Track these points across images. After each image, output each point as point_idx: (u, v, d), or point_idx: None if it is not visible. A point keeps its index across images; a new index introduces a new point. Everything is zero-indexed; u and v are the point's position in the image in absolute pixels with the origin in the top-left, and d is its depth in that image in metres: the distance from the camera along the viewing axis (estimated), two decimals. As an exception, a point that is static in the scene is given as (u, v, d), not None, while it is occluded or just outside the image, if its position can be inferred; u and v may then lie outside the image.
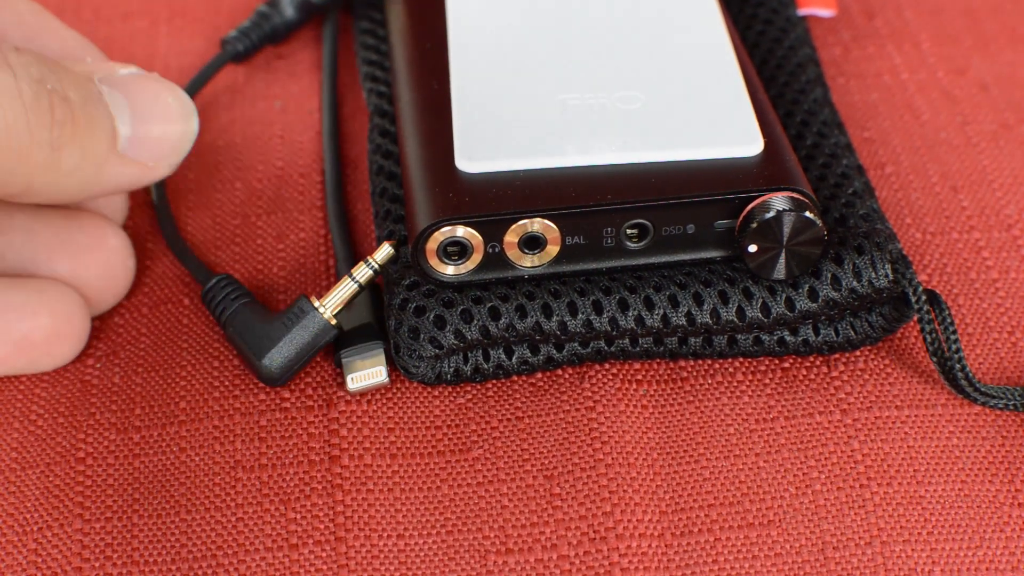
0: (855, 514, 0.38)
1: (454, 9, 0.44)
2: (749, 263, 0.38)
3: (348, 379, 0.39)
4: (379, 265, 0.39)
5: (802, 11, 0.49)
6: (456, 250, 0.38)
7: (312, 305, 0.39)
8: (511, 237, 0.38)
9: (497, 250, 0.38)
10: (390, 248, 0.39)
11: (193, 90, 0.47)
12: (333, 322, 0.39)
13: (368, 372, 0.39)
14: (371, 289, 0.41)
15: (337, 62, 0.49)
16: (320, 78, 0.49)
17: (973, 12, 0.52)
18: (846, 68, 0.49)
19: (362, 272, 0.39)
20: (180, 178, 0.46)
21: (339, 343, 0.40)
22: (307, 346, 0.39)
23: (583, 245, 0.38)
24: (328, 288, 0.43)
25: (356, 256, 0.43)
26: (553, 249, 0.38)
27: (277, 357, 0.39)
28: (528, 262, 0.39)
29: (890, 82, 0.49)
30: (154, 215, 0.45)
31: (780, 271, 0.39)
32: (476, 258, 0.38)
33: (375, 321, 0.40)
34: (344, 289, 0.39)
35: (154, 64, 0.50)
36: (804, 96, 0.45)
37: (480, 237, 0.38)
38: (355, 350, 0.39)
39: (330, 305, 0.39)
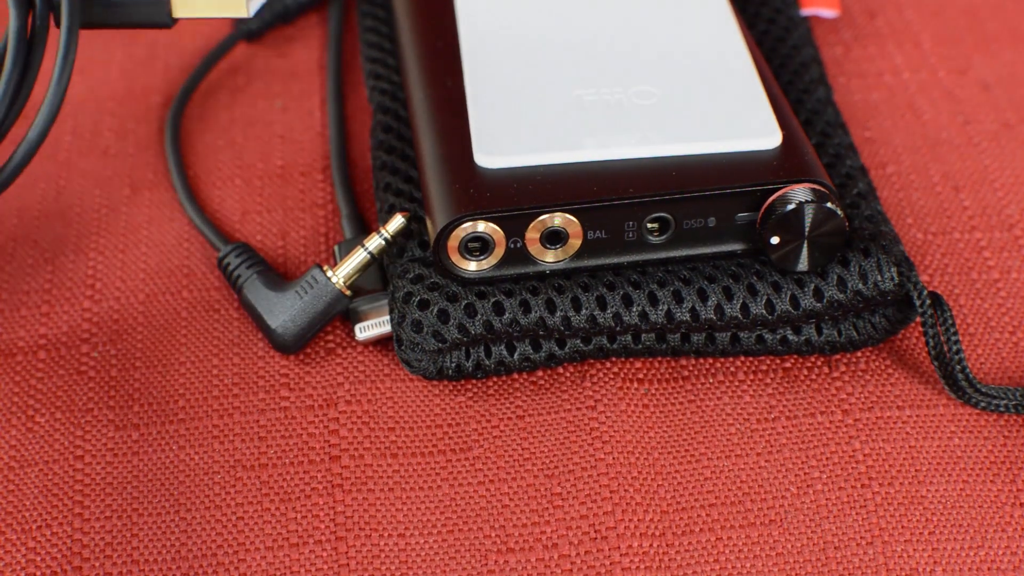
0: (856, 514, 0.38)
1: (464, 5, 0.44)
2: (771, 255, 0.38)
3: (356, 329, 0.40)
4: (391, 235, 0.40)
5: (805, 11, 0.49)
6: (478, 246, 0.38)
7: (325, 274, 0.40)
8: (533, 232, 0.38)
9: (519, 245, 0.38)
10: (402, 219, 0.39)
11: (208, 66, 0.48)
12: (347, 292, 0.40)
13: (375, 321, 0.40)
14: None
15: (340, 61, 0.49)
16: (321, 79, 0.49)
17: (974, 12, 0.52)
18: (847, 68, 0.49)
19: (374, 242, 0.40)
20: (180, 176, 0.46)
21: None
22: (320, 315, 0.40)
23: (605, 239, 0.38)
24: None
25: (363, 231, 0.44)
26: (575, 243, 0.38)
27: (291, 325, 0.40)
28: (550, 257, 0.39)
29: (891, 82, 0.49)
30: (167, 189, 0.45)
31: (803, 263, 0.38)
32: (498, 253, 0.38)
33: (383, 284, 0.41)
34: (356, 258, 0.40)
35: (154, 61, 0.50)
36: (808, 96, 0.44)
37: (502, 232, 0.38)
38: (361, 300, 0.40)
39: (343, 274, 0.40)
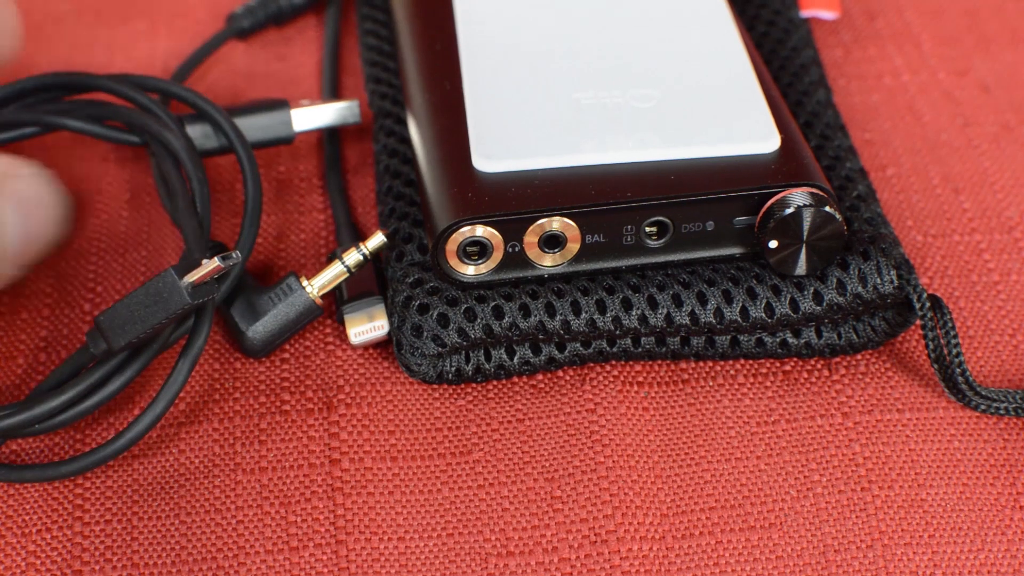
0: (856, 517, 0.38)
1: (462, 9, 0.44)
2: (769, 259, 0.38)
3: (351, 333, 0.40)
4: (370, 252, 0.40)
5: (805, 13, 0.49)
6: (476, 250, 0.38)
7: (300, 283, 0.40)
8: (531, 236, 0.38)
9: (517, 249, 0.38)
10: (383, 237, 0.40)
11: (195, 62, 0.48)
12: (319, 302, 0.40)
13: (371, 326, 0.40)
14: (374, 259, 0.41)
15: (338, 65, 0.49)
16: (320, 82, 0.49)
17: (974, 13, 0.52)
18: (847, 69, 0.49)
19: (352, 257, 0.40)
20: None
21: (339, 300, 0.40)
22: (291, 323, 0.40)
23: (603, 243, 0.38)
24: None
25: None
26: (573, 247, 0.38)
27: (261, 330, 0.40)
28: (548, 261, 0.39)
29: (891, 83, 0.49)
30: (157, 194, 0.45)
31: (801, 267, 0.39)
32: (496, 257, 0.38)
33: (379, 289, 0.41)
34: (333, 271, 0.40)
35: (154, 65, 0.50)
36: (808, 98, 0.44)
37: (500, 236, 0.38)
38: (356, 304, 0.40)
39: (317, 285, 0.40)
